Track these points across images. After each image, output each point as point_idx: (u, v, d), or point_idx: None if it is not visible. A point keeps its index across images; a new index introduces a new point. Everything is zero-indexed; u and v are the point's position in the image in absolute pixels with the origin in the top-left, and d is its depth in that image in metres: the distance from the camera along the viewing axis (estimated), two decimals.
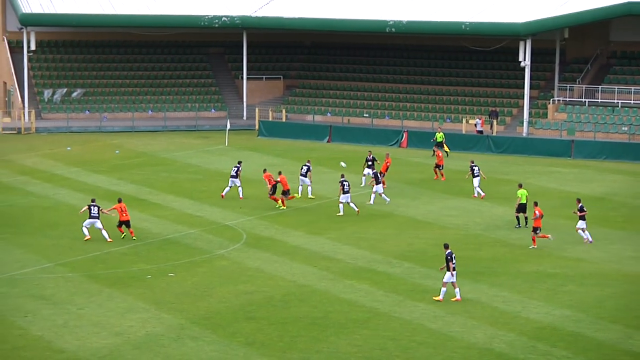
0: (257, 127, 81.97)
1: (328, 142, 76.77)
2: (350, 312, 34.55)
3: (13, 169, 62.71)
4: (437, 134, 70.60)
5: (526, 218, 47.32)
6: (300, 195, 53.80)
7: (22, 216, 48.73)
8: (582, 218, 44.43)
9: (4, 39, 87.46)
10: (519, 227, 47.23)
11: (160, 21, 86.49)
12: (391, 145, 73.76)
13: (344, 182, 49.94)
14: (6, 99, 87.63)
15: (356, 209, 49.84)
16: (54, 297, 35.84)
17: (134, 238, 44.20)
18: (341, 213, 49.86)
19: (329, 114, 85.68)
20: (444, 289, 35.79)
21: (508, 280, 38.60)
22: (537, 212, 43.71)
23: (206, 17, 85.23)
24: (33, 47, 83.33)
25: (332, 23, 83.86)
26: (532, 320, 33.78)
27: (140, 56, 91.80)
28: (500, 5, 79.62)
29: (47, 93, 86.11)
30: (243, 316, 34.08)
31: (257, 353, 30.68)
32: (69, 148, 71.77)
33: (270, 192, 51.36)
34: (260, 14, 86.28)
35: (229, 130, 75.84)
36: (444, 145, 69.19)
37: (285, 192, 51.46)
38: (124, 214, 44.16)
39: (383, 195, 52.41)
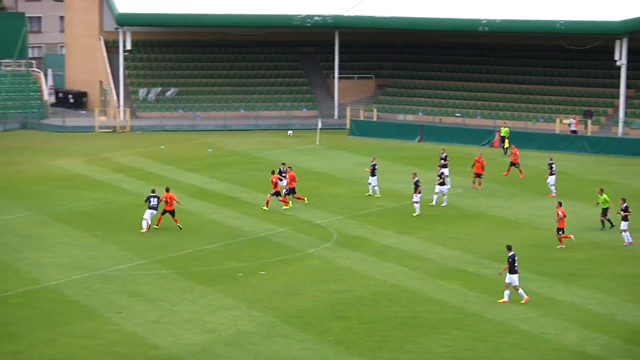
0: (348, 126, 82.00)
1: (419, 141, 76.47)
2: (441, 313, 34.38)
3: (108, 167, 63.71)
4: (502, 128, 71.37)
5: (609, 220, 46.57)
6: (374, 194, 53.67)
7: (117, 213, 49.46)
8: (625, 219, 43.73)
9: (100, 38, 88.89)
10: (604, 229, 46.58)
11: (253, 21, 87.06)
12: (483, 145, 73.20)
13: (418, 182, 49.58)
14: (102, 97, 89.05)
15: (417, 212, 49.55)
16: (147, 294, 36.32)
17: (179, 226, 45.50)
18: (417, 213, 49.57)
19: (420, 113, 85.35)
20: (507, 291, 35.45)
21: (602, 282, 38.04)
22: (560, 212, 43.33)
23: (298, 17, 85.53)
24: (129, 47, 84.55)
25: (425, 22, 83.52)
26: (629, 324, 33.22)
27: (233, 55, 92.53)
28: (596, 3, 78.44)
29: (141, 92, 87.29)
30: (333, 315, 34.14)
31: (347, 352, 30.70)
32: (162, 146, 72.67)
33: (277, 194, 50.84)
34: (353, 13, 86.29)
35: (320, 129, 76.03)
36: (506, 140, 69.52)
37: (277, 194, 50.98)
38: (169, 204, 45.26)
39: (435, 196, 51.72)
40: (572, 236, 43.88)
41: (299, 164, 65.34)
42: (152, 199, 45.57)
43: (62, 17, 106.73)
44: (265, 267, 40.13)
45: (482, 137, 74.93)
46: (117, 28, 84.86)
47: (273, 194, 50.88)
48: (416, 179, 49.92)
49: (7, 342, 31.03)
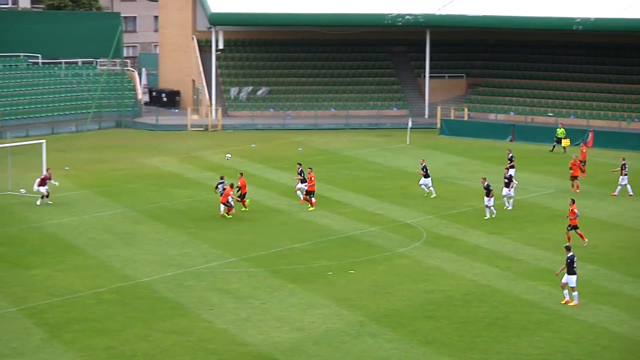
0: (438, 125, 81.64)
1: (511, 141, 75.77)
2: (532, 314, 34.04)
3: (200, 165, 64.36)
4: (558, 129, 71.14)
5: None
6: (430, 194, 53.31)
7: (208, 211, 49.90)
8: None
9: (193, 38, 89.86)
10: None
11: (345, 20, 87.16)
12: (576, 145, 72.25)
13: (490, 186, 48.70)
14: (194, 96, 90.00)
15: (492, 214, 48.75)
16: (238, 292, 36.61)
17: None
18: (487, 216, 48.61)
19: (512, 112, 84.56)
20: (575, 292, 34.88)
21: None
22: (575, 210, 42.88)
23: (390, 16, 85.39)
24: (221, 46, 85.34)
25: (517, 21, 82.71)
26: None
27: (324, 54, 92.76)
28: None
29: (233, 91, 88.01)
30: (423, 315, 34.02)
31: (436, 352, 30.58)
32: (254, 145, 73.18)
33: (239, 199, 49.75)
34: (444, 12, 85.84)
35: (410, 128, 75.82)
36: (564, 140, 69.74)
37: (243, 196, 49.88)
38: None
39: (511, 200, 50.72)
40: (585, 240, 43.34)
41: (388, 163, 65.24)
42: (219, 186, 48.33)
43: (156, 17, 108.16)
44: (354, 266, 40.16)
45: (575, 137, 73.87)
46: (210, 27, 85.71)
47: (243, 197, 49.70)
48: (486, 183, 48.86)
49: (100, 337, 31.56)
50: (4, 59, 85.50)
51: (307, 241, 44.11)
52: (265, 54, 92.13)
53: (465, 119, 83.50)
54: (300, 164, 53.31)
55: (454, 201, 52.49)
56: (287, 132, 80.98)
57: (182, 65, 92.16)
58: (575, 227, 43.12)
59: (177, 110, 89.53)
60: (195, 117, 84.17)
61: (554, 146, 70.03)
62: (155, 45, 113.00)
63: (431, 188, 53.80)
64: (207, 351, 30.49)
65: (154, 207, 50.63)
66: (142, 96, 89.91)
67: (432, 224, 47.69)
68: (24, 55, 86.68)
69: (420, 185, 53.96)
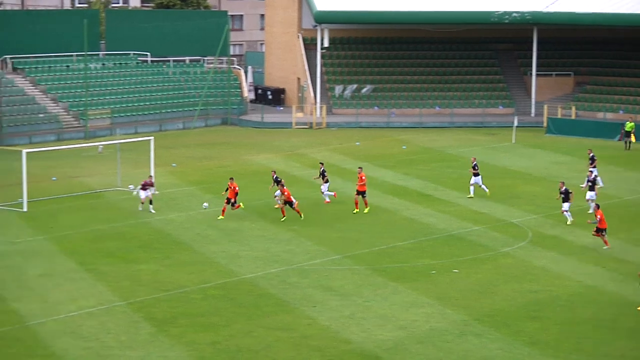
0: (545, 124, 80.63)
1: (619, 140, 74.45)
2: None
3: (304, 163, 64.67)
4: (627, 123, 70.64)
5: None
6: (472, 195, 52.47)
7: (313, 209, 50.12)
8: None
9: (299, 36, 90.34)
10: None
11: (451, 17, 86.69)
12: None
13: (569, 190, 47.18)
14: (299, 94, 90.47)
15: (570, 219, 46.88)
16: (341, 289, 36.71)
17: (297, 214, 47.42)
18: (570, 220, 46.82)
19: (621, 111, 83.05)
20: None
21: None
22: (598, 215, 41.70)
23: (496, 13, 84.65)
24: (326, 44, 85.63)
25: (627, 18, 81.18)
26: None
27: (429, 52, 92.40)
28: None
29: (338, 89, 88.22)
30: (527, 315, 33.69)
31: (541, 353, 30.25)
32: (358, 143, 73.26)
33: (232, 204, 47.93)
34: (552, 9, 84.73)
35: (516, 127, 75.06)
36: (632, 135, 68.96)
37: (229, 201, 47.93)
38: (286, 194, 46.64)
39: (591, 204, 48.84)
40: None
41: (493, 162, 64.68)
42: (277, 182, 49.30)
43: (262, 15, 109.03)
44: (458, 265, 39.94)
45: None
46: (316, 26, 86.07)
47: (229, 203, 47.84)
48: (564, 187, 47.07)
49: (205, 332, 31.96)
50: (114, 57, 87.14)
51: (410, 239, 44.02)
52: (370, 52, 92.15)
53: (573, 117, 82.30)
54: (322, 163, 52.78)
55: (560, 201, 51.74)
56: (391, 130, 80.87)
57: (288, 63, 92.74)
58: (601, 230, 42.03)
59: (282, 108, 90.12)
60: (299, 114, 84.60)
61: (626, 142, 69.45)
62: (261, 44, 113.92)
63: (483, 186, 52.96)
64: (310, 348, 30.64)
65: (259, 204, 51.05)
66: (247, 94, 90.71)
67: (537, 223, 47.15)
68: (134, 54, 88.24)
69: (471, 184, 53.11)
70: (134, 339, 31.22)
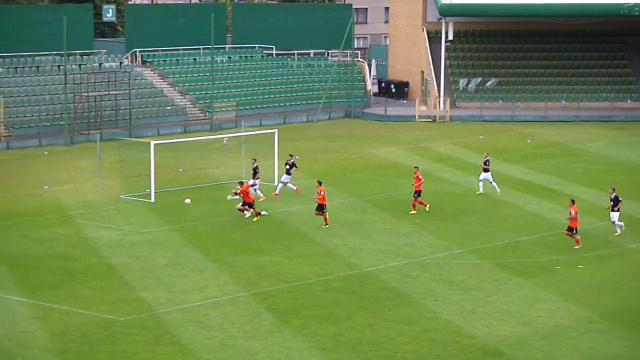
0: None
1: None
2: None
3: (427, 156, 64.47)
4: None
5: None
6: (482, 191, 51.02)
7: (434, 202, 49.94)
8: None
9: (423, 29, 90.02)
10: None
11: (579, 10, 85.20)
12: None
13: (618, 198, 44.05)
14: (423, 87, 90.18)
15: (619, 231, 43.98)
16: (463, 283, 36.53)
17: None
18: (619, 233, 43.91)
19: None
20: None
21: None
22: (572, 211, 40.37)
23: (626, 5, 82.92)
24: (451, 37, 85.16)
25: None
26: None
27: (555, 45, 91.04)
28: None
29: (462, 82, 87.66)
30: None
31: None
32: (481, 137, 72.69)
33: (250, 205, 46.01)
34: None
35: None
36: None
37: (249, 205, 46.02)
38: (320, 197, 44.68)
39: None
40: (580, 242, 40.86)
41: (621, 157, 63.45)
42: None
43: (387, 9, 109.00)
44: (583, 261, 39.34)
45: None
46: (440, 18, 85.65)
47: (245, 205, 45.93)
48: (614, 194, 43.34)
49: (327, 324, 32.16)
50: (240, 50, 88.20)
51: (534, 234, 43.52)
52: (495, 45, 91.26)
53: None
54: (291, 155, 52.19)
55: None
56: (515, 124, 79.97)
57: (412, 57, 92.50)
58: (572, 229, 40.85)
59: (405, 101, 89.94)
60: (423, 108, 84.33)
61: None
62: (386, 37, 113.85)
63: (494, 183, 51.59)
64: (432, 342, 30.58)
65: (380, 197, 51.10)
66: (371, 87, 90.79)
67: None
68: (259, 47, 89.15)
69: (480, 180, 51.78)
70: (257, 329, 31.62)
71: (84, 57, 78.67)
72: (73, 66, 75.63)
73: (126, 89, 74.81)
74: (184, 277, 37.24)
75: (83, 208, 48.81)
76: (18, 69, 75.49)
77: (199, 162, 60.89)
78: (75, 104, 72.37)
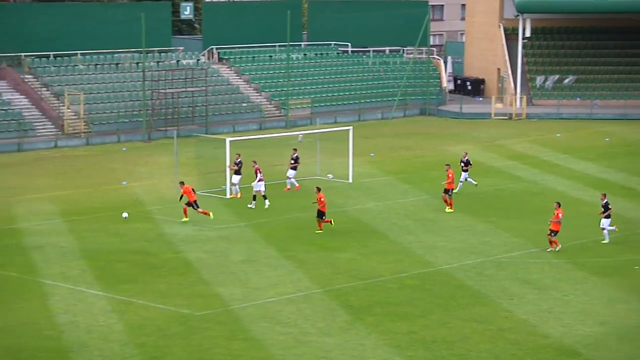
0: None
1: None
2: None
3: (503, 154, 64.02)
4: None
5: None
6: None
7: (510, 200, 49.60)
8: None
9: (500, 26, 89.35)
10: None
11: None
12: None
13: (608, 204, 43.43)
14: (499, 85, 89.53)
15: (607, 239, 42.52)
16: (539, 282, 36.22)
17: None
18: (606, 240, 42.73)
19: None
20: None
21: None
22: (559, 214, 39.44)
23: None
24: (528, 34, 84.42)
25: None
26: None
27: (635, 42, 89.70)
28: None
29: (539, 79, 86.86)
30: None
31: None
32: (559, 134, 71.96)
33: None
34: None
35: None
36: None
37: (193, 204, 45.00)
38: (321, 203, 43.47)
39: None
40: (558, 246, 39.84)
41: None
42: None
43: (463, 5, 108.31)
44: None
45: None
46: (517, 15, 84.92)
47: (188, 204, 45.02)
48: (605, 200, 42.21)
49: (401, 321, 32.13)
50: (316, 48, 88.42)
51: (613, 234, 42.93)
52: (573, 42, 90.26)
53: None
54: (295, 150, 52.36)
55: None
56: (593, 121, 79.01)
57: (488, 54, 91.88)
58: (553, 232, 39.94)
59: (481, 99, 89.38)
60: (499, 105, 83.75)
61: None
62: (462, 34, 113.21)
63: (469, 179, 51.22)
64: (507, 341, 30.39)
65: (455, 195, 50.84)
66: (446, 84, 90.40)
67: None
68: (335, 44, 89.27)
69: (460, 180, 51.09)
70: (331, 326, 31.69)
71: (162, 54, 79.54)
72: (151, 63, 76.46)
73: (203, 86, 75.44)
74: (258, 273, 37.46)
75: (160, 204, 49.35)
76: (98, 66, 76.55)
77: (273, 158, 61.15)
78: (153, 101, 73.19)
